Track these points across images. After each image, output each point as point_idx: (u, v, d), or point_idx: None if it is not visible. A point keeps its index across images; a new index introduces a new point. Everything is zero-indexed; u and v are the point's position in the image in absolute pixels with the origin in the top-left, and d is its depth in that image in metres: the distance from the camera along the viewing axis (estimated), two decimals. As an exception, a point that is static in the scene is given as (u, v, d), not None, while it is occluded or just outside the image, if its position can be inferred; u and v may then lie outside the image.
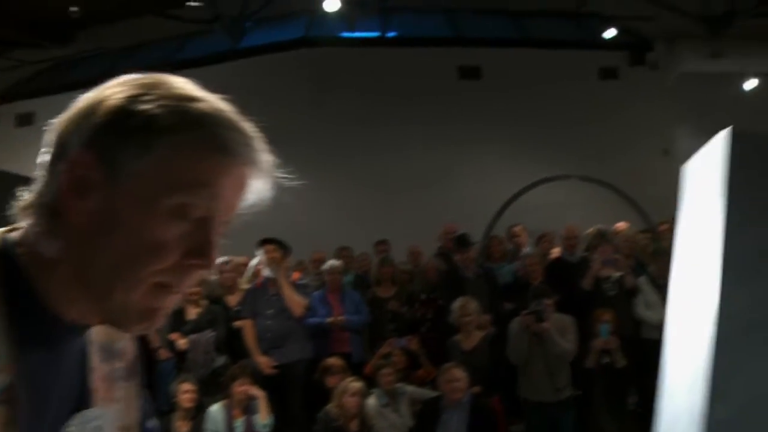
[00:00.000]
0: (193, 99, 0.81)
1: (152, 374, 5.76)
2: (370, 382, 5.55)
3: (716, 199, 1.05)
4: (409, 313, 6.54)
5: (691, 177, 1.21)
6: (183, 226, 0.80)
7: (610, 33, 9.74)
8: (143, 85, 0.81)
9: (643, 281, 5.97)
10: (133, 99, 0.79)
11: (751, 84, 10.80)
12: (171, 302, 0.84)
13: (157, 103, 0.79)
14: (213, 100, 0.83)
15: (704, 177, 1.12)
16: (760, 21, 10.16)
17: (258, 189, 0.85)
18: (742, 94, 10.88)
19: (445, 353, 5.83)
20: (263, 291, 6.00)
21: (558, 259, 6.73)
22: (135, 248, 0.79)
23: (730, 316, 1.00)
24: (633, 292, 5.98)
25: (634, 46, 10.77)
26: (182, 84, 0.83)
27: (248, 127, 0.83)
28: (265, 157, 0.84)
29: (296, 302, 5.90)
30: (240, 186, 0.83)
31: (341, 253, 7.35)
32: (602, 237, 6.33)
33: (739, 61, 10.70)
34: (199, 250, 0.81)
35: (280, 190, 0.87)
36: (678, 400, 1.20)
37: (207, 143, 0.79)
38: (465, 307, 5.76)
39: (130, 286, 0.80)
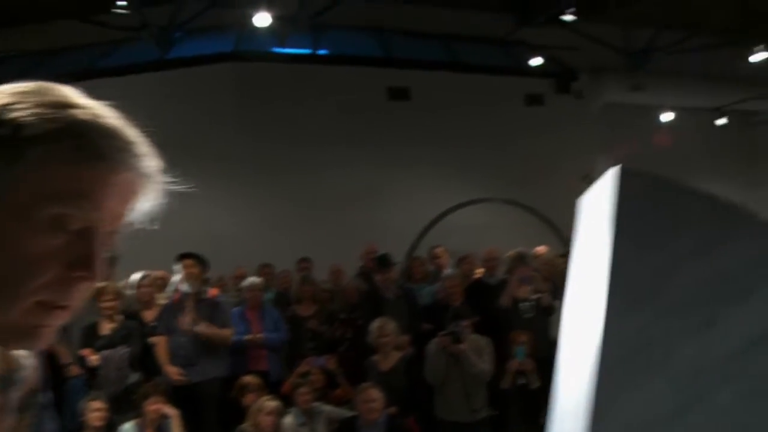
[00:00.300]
0: (70, 106, 0.77)
1: (61, 392, 5.55)
2: (288, 401, 5.48)
3: (605, 232, 1.07)
4: (329, 332, 6.50)
5: (585, 209, 1.23)
6: (61, 238, 0.76)
7: (536, 61, 9.97)
8: (19, 93, 0.77)
9: (559, 304, 6.08)
10: (4, 107, 0.76)
11: (667, 116, 11.24)
12: (58, 319, 0.80)
13: (30, 111, 0.75)
14: (94, 107, 0.79)
15: (596, 210, 1.15)
16: (677, 57, 10.61)
17: (151, 197, 0.82)
18: (659, 125, 11.33)
19: (362, 373, 5.81)
20: (179, 307, 5.86)
21: (478, 281, 6.80)
22: (11, 263, 0.75)
23: (613, 343, 1.01)
24: (549, 314, 6.10)
25: (560, 75, 11.07)
26: (63, 92, 0.79)
27: (132, 134, 0.80)
28: (152, 164, 0.81)
29: (222, 337, 5.81)
30: (124, 195, 0.80)
31: (262, 270, 7.26)
32: (522, 260, 6.44)
33: (657, 94, 11.14)
34: (82, 263, 0.77)
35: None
36: (566, 425, 1.20)
37: (84, 151, 0.76)
38: (383, 328, 5.76)
39: (9, 304, 0.75)
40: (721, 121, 12.30)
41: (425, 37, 10.26)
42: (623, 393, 1.01)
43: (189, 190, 0.85)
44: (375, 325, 5.81)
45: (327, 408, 5.57)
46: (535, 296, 6.14)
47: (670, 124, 11.37)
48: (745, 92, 11.67)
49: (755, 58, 9.68)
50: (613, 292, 1.02)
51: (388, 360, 5.80)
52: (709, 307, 1.04)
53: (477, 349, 5.68)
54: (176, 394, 5.56)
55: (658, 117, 11.34)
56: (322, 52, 10.40)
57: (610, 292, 1.02)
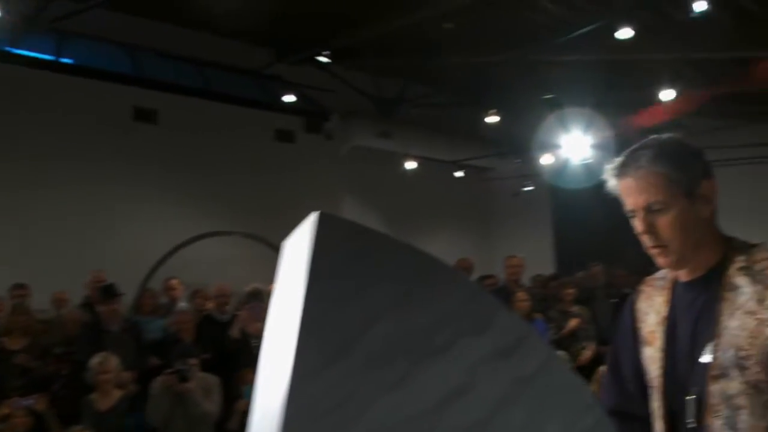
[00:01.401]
0: None
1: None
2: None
3: (300, 282, 0.96)
4: (41, 368, 5.85)
5: (287, 255, 1.11)
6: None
7: (290, 98, 10.02)
8: None
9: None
10: None
11: (411, 165, 11.85)
12: None
13: None
14: None
15: (295, 257, 1.03)
16: (422, 110, 11.28)
17: None
18: (403, 173, 11.89)
19: (78, 414, 5.29)
20: None
21: (208, 317, 6.55)
22: None
23: (300, 403, 0.89)
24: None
25: (312, 115, 11.24)
26: None
27: None
28: None
29: None
30: None
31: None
32: (256, 295, 6.31)
33: (403, 142, 11.72)
34: None
35: None
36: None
37: None
38: (104, 364, 5.30)
39: None
40: (459, 174, 13.21)
41: (178, 59, 9.88)
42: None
43: None
44: (95, 360, 5.34)
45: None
46: (267, 333, 6.00)
47: (413, 172, 11.97)
48: (480, 149, 12.69)
49: (489, 119, 10.53)
50: (303, 347, 0.93)
51: (107, 399, 5.33)
52: (405, 362, 0.98)
53: (205, 389, 5.42)
54: None
55: (404, 165, 11.89)
56: (66, 60, 9.58)
57: (299, 348, 0.93)
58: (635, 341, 1.75)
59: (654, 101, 9.07)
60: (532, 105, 10.62)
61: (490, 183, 14.27)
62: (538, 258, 11.54)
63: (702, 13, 6.34)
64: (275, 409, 0.93)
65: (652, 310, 1.74)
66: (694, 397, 1.56)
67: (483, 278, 7.80)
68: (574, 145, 10.91)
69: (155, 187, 9.55)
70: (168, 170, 9.65)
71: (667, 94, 8.63)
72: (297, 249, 1.04)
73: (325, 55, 9.50)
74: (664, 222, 1.58)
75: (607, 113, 9.80)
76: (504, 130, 11.36)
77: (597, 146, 10.46)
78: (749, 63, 9.47)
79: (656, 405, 1.66)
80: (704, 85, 9.82)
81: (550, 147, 11.01)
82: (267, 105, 10.53)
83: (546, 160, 11.14)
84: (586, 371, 6.01)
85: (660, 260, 1.64)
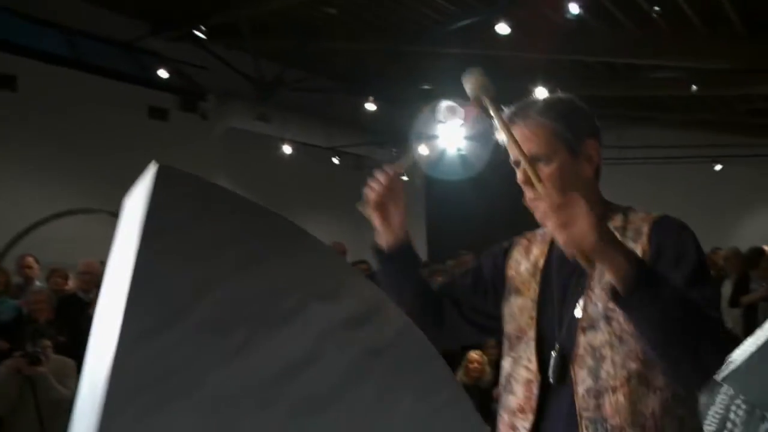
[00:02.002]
0: None
1: None
2: None
3: (133, 241, 0.86)
4: None
5: (125, 213, 1.02)
6: None
7: (163, 73, 9.64)
8: None
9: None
10: None
11: (287, 149, 11.71)
12: None
13: None
14: None
15: (132, 215, 0.94)
16: (300, 95, 11.16)
17: None
18: (280, 157, 11.73)
19: None
20: None
21: (71, 296, 6.22)
22: None
23: (127, 370, 0.81)
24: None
25: (187, 93, 10.87)
26: None
27: None
28: None
29: None
30: None
31: None
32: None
33: (281, 127, 11.55)
34: None
35: None
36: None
37: None
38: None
39: None
40: (335, 161, 13.18)
41: (44, 24, 9.28)
42: (141, 426, 0.83)
43: None
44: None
45: None
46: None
47: (290, 157, 11.83)
48: (358, 137, 12.70)
49: (369, 106, 10.55)
50: (132, 310, 0.84)
51: (-55, 385, 4.95)
52: (247, 329, 0.91)
53: (59, 372, 5.13)
54: None
55: (281, 148, 11.73)
56: None
57: (127, 311, 0.84)
58: (501, 285, 1.77)
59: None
60: (410, 95, 10.72)
61: (367, 171, 14.30)
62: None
63: (576, 16, 6.58)
64: (101, 379, 0.84)
65: (527, 261, 1.76)
66: (555, 354, 1.60)
67: (356, 263, 7.81)
68: (449, 137, 11.09)
69: (12, 161, 8.96)
70: (28, 144, 9.06)
71: (540, 92, 8.92)
72: (134, 206, 0.95)
73: (202, 32, 9.21)
74: (544, 173, 1.59)
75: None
76: (382, 120, 11.43)
77: (472, 138, 10.69)
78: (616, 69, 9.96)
79: (524, 356, 1.67)
80: (575, 87, 10.24)
81: (427, 138, 11.14)
82: (140, 80, 10.10)
83: (422, 150, 11.27)
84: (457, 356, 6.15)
85: (538, 215, 1.62)
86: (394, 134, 12.08)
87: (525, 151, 1.59)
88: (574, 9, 6.51)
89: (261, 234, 0.95)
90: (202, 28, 9.10)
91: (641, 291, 1.36)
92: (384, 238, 1.83)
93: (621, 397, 1.50)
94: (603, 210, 1.65)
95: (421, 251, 12.73)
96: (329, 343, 0.95)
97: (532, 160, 1.59)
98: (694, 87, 9.13)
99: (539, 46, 8.09)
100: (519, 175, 1.62)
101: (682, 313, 1.37)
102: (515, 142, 1.56)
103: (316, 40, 9.65)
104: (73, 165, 9.32)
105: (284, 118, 11.64)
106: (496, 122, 1.60)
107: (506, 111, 1.65)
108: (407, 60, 9.99)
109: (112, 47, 9.90)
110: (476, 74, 1.59)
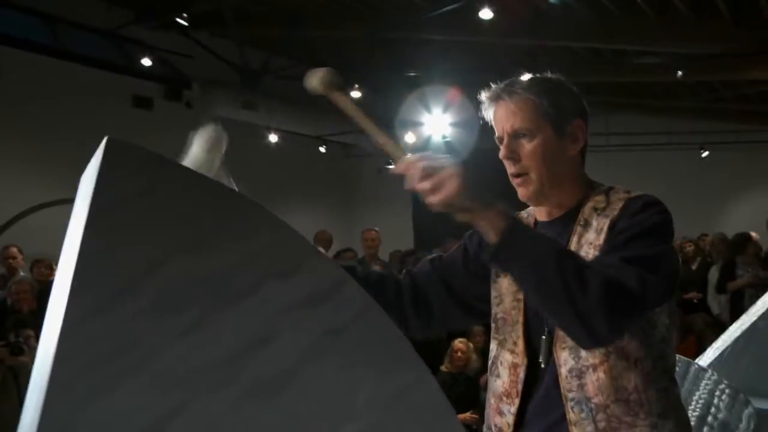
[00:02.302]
0: None
1: None
2: None
3: (83, 217, 0.84)
4: None
5: (81, 189, 1.00)
6: None
7: (146, 62, 9.55)
8: None
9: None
10: None
11: (273, 138, 11.66)
12: None
13: None
14: None
15: (84, 190, 0.91)
16: (286, 83, 11.09)
17: None
18: (266, 145, 11.67)
19: None
20: None
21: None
22: None
23: (75, 349, 0.79)
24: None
25: (172, 81, 10.79)
26: None
27: None
28: None
29: None
30: None
31: None
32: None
33: (266, 115, 11.49)
34: None
35: None
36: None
37: None
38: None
39: None
40: (322, 149, 13.15)
41: (25, 11, 9.17)
42: (90, 406, 0.82)
43: None
44: None
45: None
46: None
47: (277, 145, 11.79)
48: (344, 125, 12.66)
49: (353, 94, 10.50)
50: (80, 286, 0.82)
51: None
52: (201, 306, 0.89)
53: (42, 362, 5.10)
54: None
55: (268, 137, 11.68)
56: None
57: (74, 287, 0.82)
58: (482, 267, 1.73)
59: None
60: (394, 82, 10.68)
61: (354, 159, 14.30)
62: (398, 234, 11.71)
63: (559, 1, 6.54)
64: (50, 355, 0.83)
65: None
66: (545, 337, 1.58)
67: (342, 251, 7.79)
68: (435, 124, 11.10)
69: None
70: (8, 134, 8.98)
71: (524, 79, 8.88)
72: (86, 183, 0.93)
73: (185, 20, 9.13)
74: (527, 148, 1.58)
75: (469, 94, 10.02)
76: (367, 107, 11.36)
77: (457, 125, 10.70)
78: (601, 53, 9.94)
79: (509, 339, 1.65)
80: (560, 73, 10.22)
81: (413, 125, 11.13)
82: (124, 69, 10.00)
83: (408, 137, 11.27)
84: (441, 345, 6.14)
85: (520, 191, 1.63)
86: (381, 122, 12.03)
87: (508, 126, 1.59)
88: (557, -7, 6.47)
89: (216, 212, 0.93)
90: (185, 15, 9.03)
91: (509, 246, 1.38)
92: None
93: (602, 374, 1.50)
94: (586, 192, 1.64)
95: (408, 239, 12.73)
96: (286, 323, 0.93)
97: (515, 136, 1.59)
98: (679, 73, 9.12)
99: (524, 32, 8.07)
100: (501, 151, 1.61)
101: (552, 270, 1.35)
102: (373, 128, 1.63)
103: (301, 28, 9.59)
104: (56, 155, 9.23)
105: (270, 107, 11.58)
106: (349, 113, 1.65)
107: (493, 88, 1.64)
108: (391, 47, 9.95)
109: (95, 36, 9.81)
110: (318, 72, 1.64)
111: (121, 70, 10.00)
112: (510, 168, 1.62)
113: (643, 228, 1.49)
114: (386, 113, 11.31)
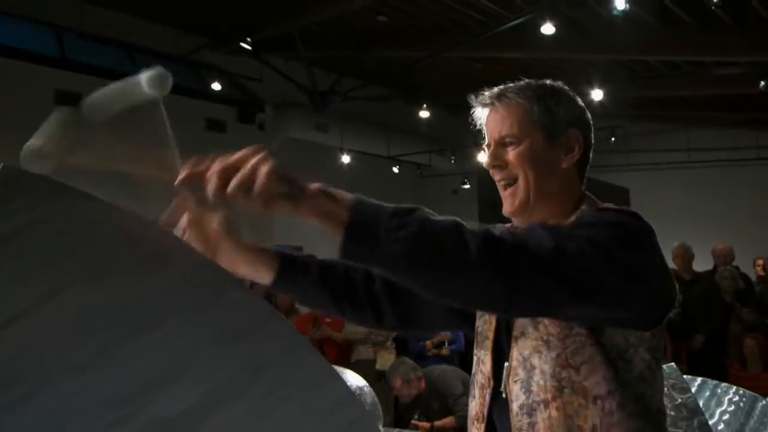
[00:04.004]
0: None
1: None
2: None
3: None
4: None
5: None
6: None
7: (216, 86, 9.80)
8: None
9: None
10: None
11: (346, 158, 11.73)
12: None
13: None
14: None
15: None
16: (356, 104, 11.18)
17: None
18: (339, 166, 11.76)
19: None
20: None
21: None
22: None
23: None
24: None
25: (244, 104, 11.03)
26: None
27: None
28: None
29: None
30: None
31: None
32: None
33: (338, 135, 11.60)
34: None
35: None
36: None
37: None
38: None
39: None
40: (396, 170, 13.15)
41: (104, 42, 9.57)
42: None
43: None
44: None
45: None
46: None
47: (349, 166, 11.86)
48: (415, 145, 12.65)
49: (422, 114, 10.48)
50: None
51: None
52: (101, 338, 0.85)
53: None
54: None
55: (340, 158, 11.77)
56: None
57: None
58: None
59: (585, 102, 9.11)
60: (462, 101, 10.58)
61: (428, 179, 14.25)
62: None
63: (621, 12, 6.34)
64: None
65: None
66: (507, 364, 1.42)
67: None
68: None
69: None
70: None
71: (596, 95, 8.68)
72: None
73: (256, 44, 9.33)
74: (513, 154, 1.45)
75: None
76: (438, 126, 11.33)
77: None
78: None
79: (482, 357, 1.50)
80: (634, 87, 9.93)
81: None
82: (198, 93, 10.29)
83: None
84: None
85: (507, 203, 1.48)
86: (452, 141, 11.98)
87: (496, 133, 1.47)
88: (620, 4, 6.24)
89: (124, 242, 0.89)
90: (256, 40, 9.22)
91: (362, 237, 1.13)
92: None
93: (554, 412, 1.32)
94: (576, 208, 1.47)
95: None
96: (198, 358, 0.88)
97: (502, 143, 1.47)
98: (762, 83, 8.70)
99: (591, 46, 7.86)
100: (486, 160, 1.49)
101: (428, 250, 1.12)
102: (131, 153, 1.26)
103: (369, 49, 9.65)
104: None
105: (342, 128, 11.68)
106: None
107: (485, 94, 1.52)
108: (456, 65, 9.90)
109: (169, 62, 10.13)
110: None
111: (194, 95, 10.28)
112: (496, 176, 1.49)
113: (598, 221, 1.32)
114: (459, 132, 11.25)
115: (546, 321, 1.36)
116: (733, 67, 9.01)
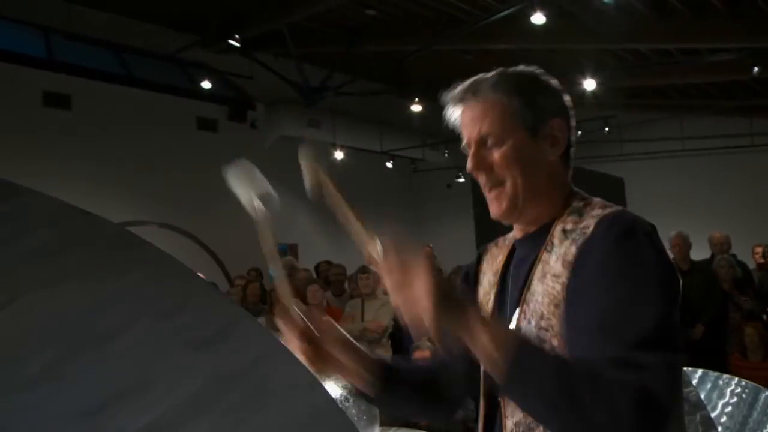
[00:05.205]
0: None
1: None
2: None
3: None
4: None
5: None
6: None
7: (206, 84, 9.72)
8: None
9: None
10: None
11: (339, 154, 11.67)
12: None
13: None
14: None
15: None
16: (348, 99, 11.11)
17: None
18: (332, 162, 11.69)
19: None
20: None
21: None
22: None
23: None
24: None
25: (236, 103, 10.95)
26: None
27: None
28: None
29: None
30: None
31: None
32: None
33: (330, 131, 11.53)
34: None
35: None
36: None
37: None
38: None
39: None
40: (390, 165, 13.09)
41: (93, 43, 9.48)
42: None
43: None
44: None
45: None
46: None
47: (342, 162, 11.79)
48: (408, 140, 12.58)
49: (414, 108, 10.42)
50: None
51: None
52: (56, 349, 0.79)
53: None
54: None
55: (333, 154, 11.70)
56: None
57: None
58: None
59: (577, 92, 9.06)
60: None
61: (422, 174, 14.21)
62: (463, 247, 11.51)
63: (612, 0, 6.27)
64: None
65: (490, 270, 1.51)
66: None
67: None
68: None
69: (67, 177, 9.17)
70: (82, 159, 9.27)
71: (589, 84, 8.62)
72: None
73: (246, 41, 9.25)
74: (497, 155, 1.35)
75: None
76: (431, 120, 11.26)
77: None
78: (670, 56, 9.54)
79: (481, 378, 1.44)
80: (626, 76, 9.87)
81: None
82: (188, 92, 10.21)
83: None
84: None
85: (493, 206, 1.39)
86: (445, 135, 11.91)
87: (474, 133, 1.37)
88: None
89: (81, 245, 0.82)
90: (245, 37, 9.14)
91: (514, 372, 1.11)
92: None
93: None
94: (566, 202, 1.39)
95: (470, 250, 12.51)
96: (163, 369, 0.82)
97: (483, 143, 1.37)
98: (755, 69, 8.64)
99: (582, 36, 7.80)
100: (468, 162, 1.39)
101: (559, 388, 1.09)
102: (356, 220, 1.45)
103: (359, 43, 9.58)
104: (124, 178, 9.48)
105: (334, 124, 11.62)
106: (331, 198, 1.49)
107: (457, 89, 1.42)
108: (447, 58, 9.81)
109: (159, 61, 10.05)
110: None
111: (185, 94, 10.21)
112: (481, 179, 1.39)
113: (637, 273, 1.20)
114: (450, 126, 11.20)
115: (554, 340, 1.25)
116: (726, 54, 8.95)
